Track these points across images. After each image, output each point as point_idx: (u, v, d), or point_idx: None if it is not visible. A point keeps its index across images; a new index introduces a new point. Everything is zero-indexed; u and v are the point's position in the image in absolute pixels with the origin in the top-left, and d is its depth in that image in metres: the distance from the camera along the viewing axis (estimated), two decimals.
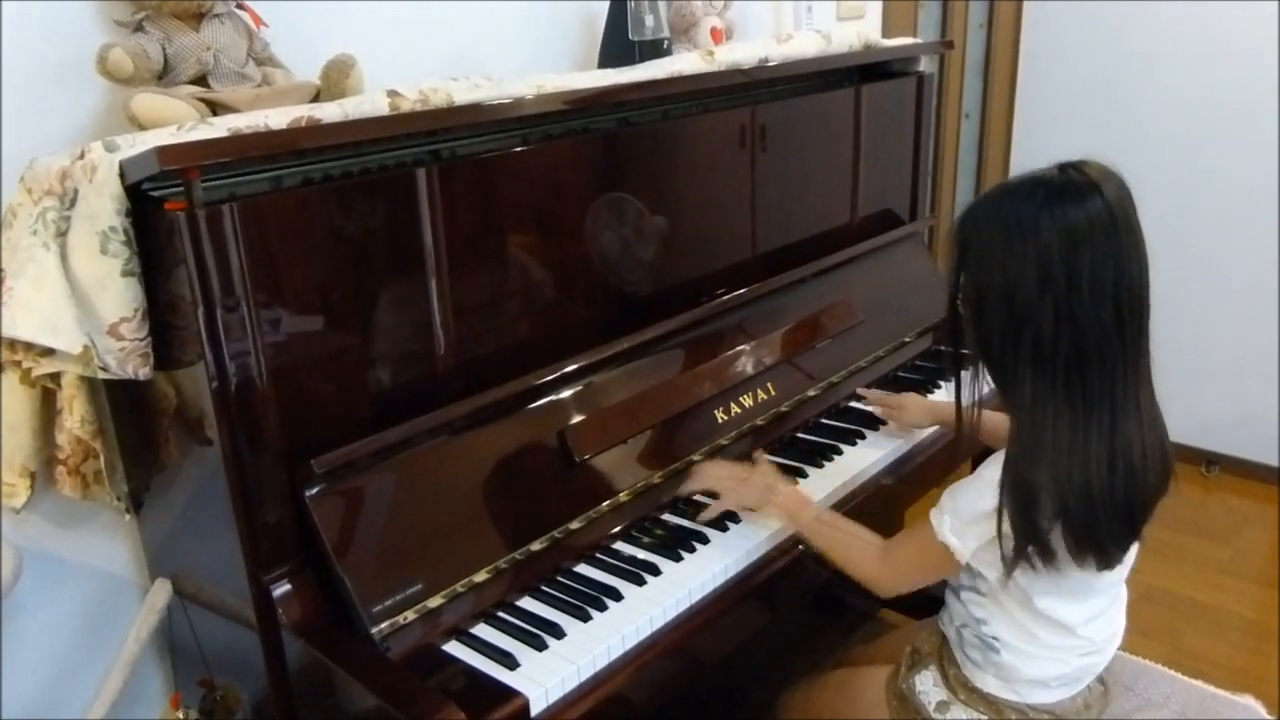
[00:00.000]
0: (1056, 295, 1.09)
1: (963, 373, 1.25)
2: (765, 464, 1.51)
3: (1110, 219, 1.09)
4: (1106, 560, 1.18)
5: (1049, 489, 1.13)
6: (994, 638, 1.29)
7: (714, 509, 1.45)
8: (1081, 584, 1.22)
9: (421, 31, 1.74)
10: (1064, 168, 1.14)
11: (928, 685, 1.38)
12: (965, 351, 1.24)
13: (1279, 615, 2.47)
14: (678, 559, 1.38)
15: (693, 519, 1.47)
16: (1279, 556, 2.72)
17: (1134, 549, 1.24)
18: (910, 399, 1.75)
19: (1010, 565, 1.18)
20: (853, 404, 1.84)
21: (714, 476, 1.49)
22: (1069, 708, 1.33)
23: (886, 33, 2.78)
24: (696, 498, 1.52)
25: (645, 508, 1.48)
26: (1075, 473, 1.12)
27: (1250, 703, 1.46)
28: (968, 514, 1.21)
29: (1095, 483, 1.12)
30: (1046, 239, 1.09)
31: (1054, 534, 1.14)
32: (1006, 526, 1.16)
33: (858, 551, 1.35)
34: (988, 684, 1.32)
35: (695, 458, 1.56)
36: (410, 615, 1.20)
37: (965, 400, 1.26)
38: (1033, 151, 3.29)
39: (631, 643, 1.25)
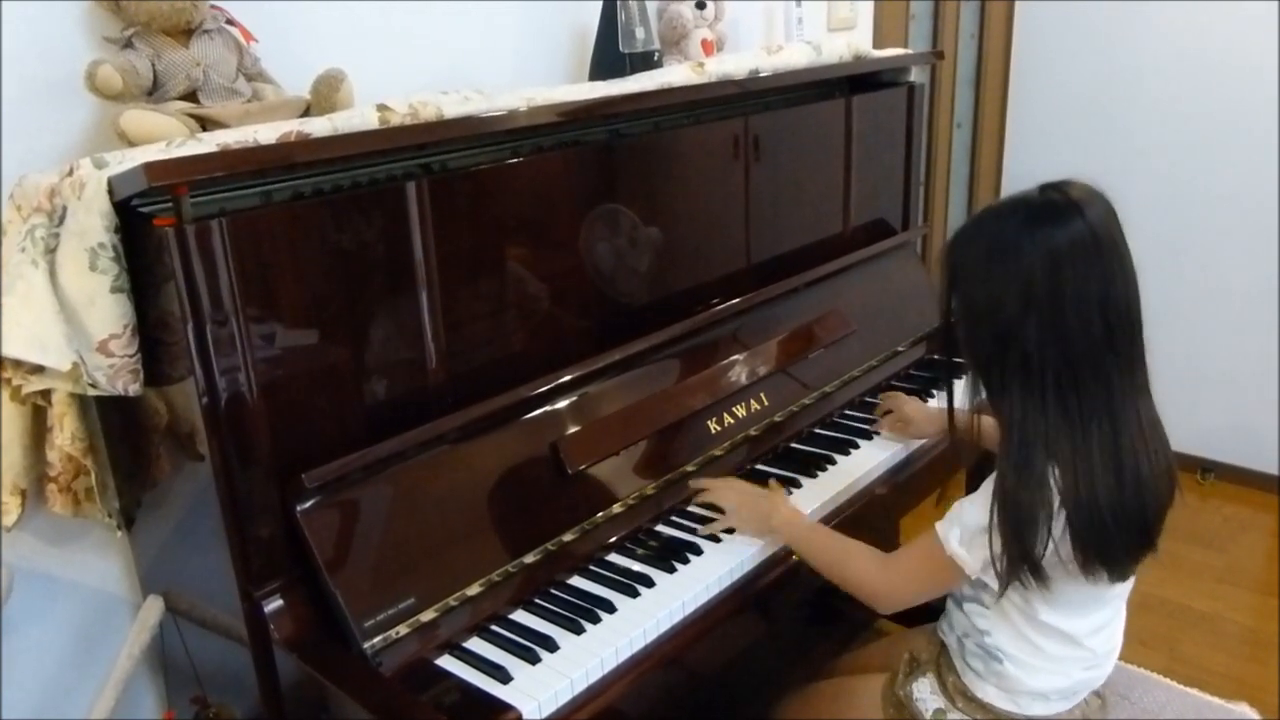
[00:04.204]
0: (1040, 314, 1.11)
1: (957, 382, 1.26)
2: (775, 488, 1.53)
3: (1092, 238, 1.10)
4: (1120, 572, 1.19)
5: (1047, 504, 1.13)
6: (997, 648, 1.28)
7: (717, 525, 1.46)
8: (1088, 596, 1.22)
9: (412, 46, 1.74)
10: (1045, 188, 1.16)
11: (925, 692, 1.37)
12: (959, 360, 1.26)
13: (1277, 623, 2.47)
14: (671, 570, 1.38)
15: (689, 530, 1.47)
16: (1277, 564, 2.71)
17: None
18: (916, 409, 1.75)
19: (1004, 583, 1.19)
20: (847, 412, 1.84)
21: (724, 497, 1.49)
22: (1066, 719, 1.32)
23: (878, 43, 2.79)
24: (696, 509, 1.52)
25: (639, 519, 1.48)
26: (1081, 485, 1.12)
27: (1247, 711, 1.46)
28: (974, 526, 1.20)
29: (1103, 494, 1.12)
30: (1028, 260, 1.11)
31: (1051, 552, 1.15)
32: (998, 545, 1.16)
33: (859, 564, 1.35)
34: (988, 694, 1.32)
35: (689, 468, 1.56)
36: (403, 629, 1.19)
37: (965, 407, 1.28)
38: (1025, 160, 3.30)
39: (625, 655, 1.24)
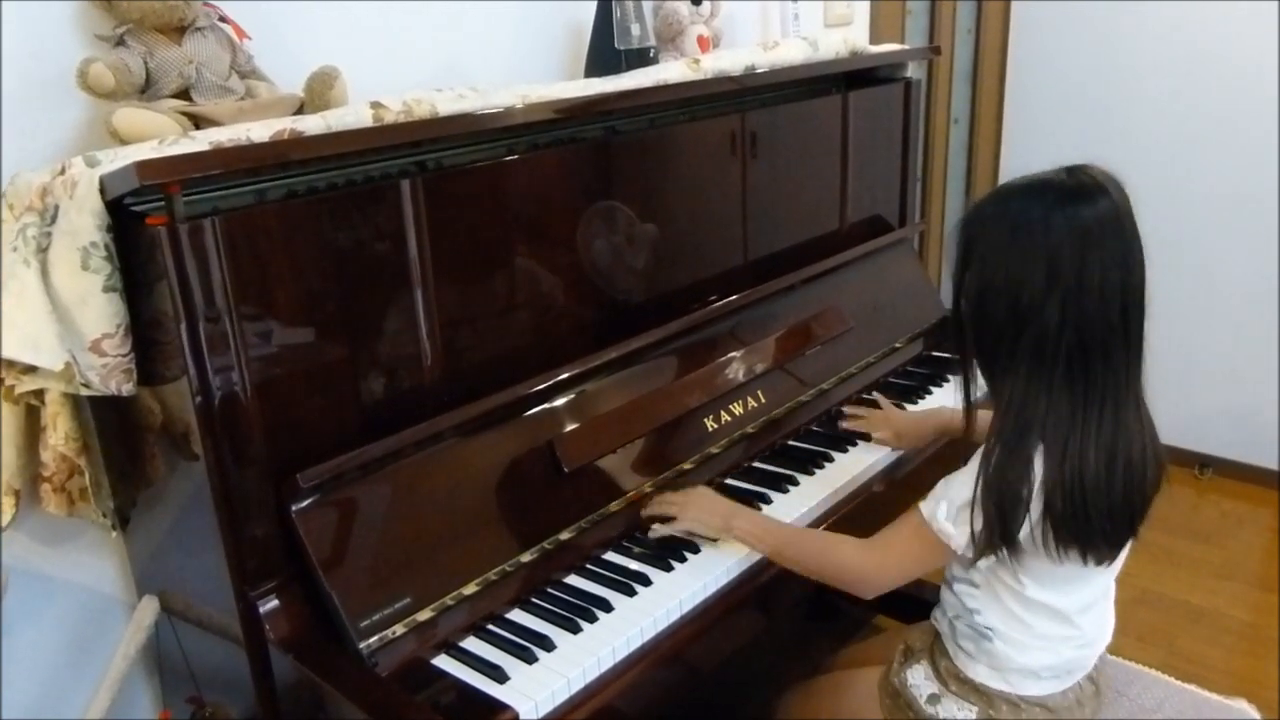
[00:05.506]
0: (1065, 294, 1.11)
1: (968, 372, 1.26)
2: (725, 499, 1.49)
3: (1117, 220, 1.12)
4: (1095, 555, 1.19)
5: (1029, 484, 1.14)
6: (987, 627, 1.29)
7: (670, 527, 1.42)
8: (1073, 573, 1.23)
9: (406, 43, 1.74)
10: (1071, 170, 1.16)
11: (919, 679, 1.38)
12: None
13: (1276, 618, 2.47)
14: (668, 569, 1.37)
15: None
16: (1275, 559, 2.71)
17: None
18: (904, 422, 1.72)
19: (977, 554, 1.21)
20: (844, 410, 1.83)
21: (670, 501, 1.46)
22: (1060, 703, 1.32)
23: (874, 39, 2.79)
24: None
25: (636, 518, 1.47)
26: (1069, 470, 1.13)
27: (1244, 707, 1.46)
28: (961, 501, 1.21)
29: (1091, 479, 1.13)
30: (1057, 239, 1.11)
31: (1027, 531, 1.16)
32: (979, 522, 1.18)
33: (838, 553, 1.34)
34: (979, 674, 1.32)
35: (686, 466, 1.55)
36: (399, 629, 1.19)
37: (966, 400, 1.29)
38: (1022, 156, 3.29)
39: (622, 654, 1.24)
